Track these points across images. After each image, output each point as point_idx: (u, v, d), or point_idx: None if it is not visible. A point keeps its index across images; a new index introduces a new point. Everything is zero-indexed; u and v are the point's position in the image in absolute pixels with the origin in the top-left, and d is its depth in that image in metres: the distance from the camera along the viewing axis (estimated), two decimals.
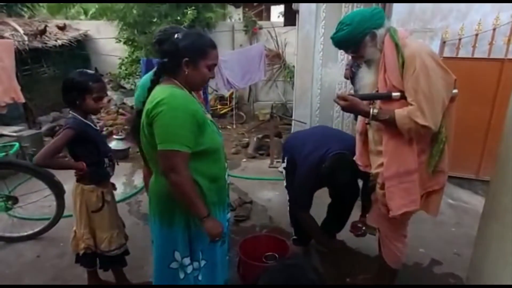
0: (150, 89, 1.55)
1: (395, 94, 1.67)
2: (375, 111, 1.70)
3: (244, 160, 5.05)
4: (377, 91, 1.79)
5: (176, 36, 1.51)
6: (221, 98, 7.55)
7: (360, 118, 2.03)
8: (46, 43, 6.44)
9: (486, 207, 1.78)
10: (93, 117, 2.14)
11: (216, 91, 6.82)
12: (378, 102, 1.80)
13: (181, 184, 1.46)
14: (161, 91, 1.48)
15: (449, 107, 1.74)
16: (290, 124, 5.15)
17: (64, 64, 7.12)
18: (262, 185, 4.10)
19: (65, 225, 2.99)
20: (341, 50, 1.96)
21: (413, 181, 1.75)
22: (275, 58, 7.39)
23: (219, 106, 7.50)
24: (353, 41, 1.72)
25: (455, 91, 1.74)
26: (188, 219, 1.61)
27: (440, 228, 3.08)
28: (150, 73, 1.97)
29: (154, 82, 1.56)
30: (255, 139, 5.54)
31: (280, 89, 7.68)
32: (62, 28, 6.75)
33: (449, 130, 1.78)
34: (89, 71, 2.04)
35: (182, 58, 1.48)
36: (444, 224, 3.16)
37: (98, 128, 2.15)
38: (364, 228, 2.36)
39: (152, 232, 1.72)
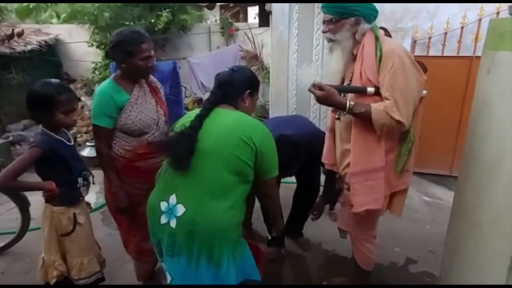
0: (202, 116, 1.44)
1: (370, 89, 1.65)
2: (352, 103, 1.65)
3: None
4: (350, 84, 1.77)
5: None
6: (200, 101, 7.45)
7: (330, 113, 2.00)
8: (14, 49, 6.20)
9: (454, 206, 1.79)
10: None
11: (195, 94, 6.73)
12: (349, 95, 1.77)
13: (279, 205, 1.69)
14: (250, 118, 1.50)
15: (418, 107, 1.73)
16: None
17: (34, 69, 6.86)
18: None
19: (32, 239, 2.87)
20: (322, 20, 1.78)
21: (378, 179, 1.73)
22: (253, 59, 7.34)
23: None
24: (342, 10, 1.65)
25: (424, 92, 1.74)
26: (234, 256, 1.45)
27: (415, 226, 3.10)
28: (110, 81, 1.97)
29: (210, 109, 1.48)
30: None
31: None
32: (20, 34, 6.47)
33: (416, 130, 1.78)
34: (53, 80, 1.81)
35: (246, 89, 1.57)
36: (419, 221, 3.18)
37: (71, 143, 1.93)
38: (316, 212, 2.37)
39: (175, 269, 1.44)
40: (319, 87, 1.66)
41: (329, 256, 2.71)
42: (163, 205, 1.40)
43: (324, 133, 2.16)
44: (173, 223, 1.36)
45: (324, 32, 1.76)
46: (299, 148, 2.14)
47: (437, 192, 3.80)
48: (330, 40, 1.75)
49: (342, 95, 1.77)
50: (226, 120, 1.45)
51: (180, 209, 1.35)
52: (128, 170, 2.01)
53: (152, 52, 1.94)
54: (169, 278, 1.38)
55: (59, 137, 1.82)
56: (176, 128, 1.48)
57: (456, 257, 1.70)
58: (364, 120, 1.66)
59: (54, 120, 1.75)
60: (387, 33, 3.27)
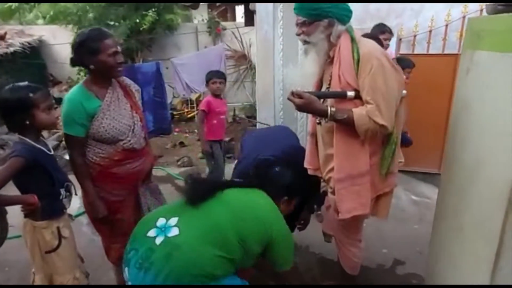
0: (237, 184, 1.57)
1: (350, 93, 1.60)
2: (333, 109, 1.60)
3: None
4: (328, 88, 1.72)
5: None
6: (189, 102, 7.38)
7: (310, 118, 1.95)
8: None
9: (437, 207, 1.76)
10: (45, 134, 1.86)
11: (184, 95, 6.66)
12: (329, 100, 1.73)
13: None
14: (278, 215, 1.55)
15: (398, 108, 1.70)
16: (256, 126, 5.07)
17: (18, 72, 6.72)
18: None
19: (11, 248, 2.78)
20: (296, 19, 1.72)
21: (364, 184, 1.70)
22: (241, 59, 7.30)
23: (186, 110, 7.32)
24: (314, 12, 1.60)
25: (404, 91, 1.71)
26: None
27: (403, 226, 3.07)
28: (79, 87, 1.87)
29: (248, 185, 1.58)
30: None
31: (248, 90, 7.59)
32: (2, 37, 6.33)
33: (398, 131, 1.74)
34: (20, 83, 1.70)
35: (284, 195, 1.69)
36: (407, 221, 3.16)
37: (52, 152, 1.81)
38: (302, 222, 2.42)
39: (137, 282, 1.36)
40: (298, 95, 1.61)
41: (316, 259, 2.67)
42: (161, 221, 1.41)
43: (303, 149, 2.10)
44: (158, 240, 1.35)
45: (297, 34, 1.71)
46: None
47: (425, 191, 3.78)
48: (305, 42, 1.71)
49: (322, 101, 1.73)
50: (261, 199, 1.54)
51: (174, 231, 1.36)
52: (104, 176, 1.93)
53: (119, 48, 1.87)
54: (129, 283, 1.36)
55: (39, 146, 1.71)
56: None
57: (440, 259, 1.67)
58: (346, 125, 1.62)
59: (38, 122, 1.65)
60: (390, 34, 3.26)
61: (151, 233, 1.38)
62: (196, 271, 1.32)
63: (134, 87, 2.10)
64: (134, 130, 1.96)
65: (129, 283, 1.35)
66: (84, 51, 1.78)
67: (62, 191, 1.80)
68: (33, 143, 1.68)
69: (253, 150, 2.25)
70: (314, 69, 1.73)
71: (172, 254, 1.31)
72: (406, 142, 3.30)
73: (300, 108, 1.64)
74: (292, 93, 1.63)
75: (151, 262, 1.31)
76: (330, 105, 1.64)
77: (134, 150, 1.97)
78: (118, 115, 1.91)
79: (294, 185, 1.69)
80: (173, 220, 1.39)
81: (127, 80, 2.07)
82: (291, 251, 1.59)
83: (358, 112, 1.57)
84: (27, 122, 1.63)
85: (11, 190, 1.70)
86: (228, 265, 1.38)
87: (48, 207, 1.71)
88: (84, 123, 1.83)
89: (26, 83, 1.72)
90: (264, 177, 1.65)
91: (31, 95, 1.62)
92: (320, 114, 1.66)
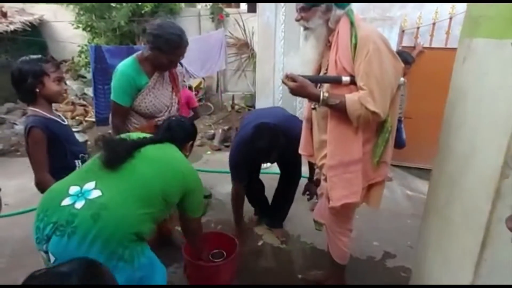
0: (153, 140, 1.56)
1: (345, 78, 1.58)
2: (326, 95, 1.58)
3: (209, 152, 4.91)
4: (325, 73, 1.70)
5: None
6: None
7: (306, 103, 1.94)
8: None
9: (428, 199, 1.74)
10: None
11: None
12: (325, 86, 1.70)
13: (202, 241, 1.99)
14: (189, 164, 1.63)
15: (395, 95, 1.67)
16: None
17: (18, 51, 6.64)
18: (223, 178, 3.96)
19: (5, 225, 2.80)
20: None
21: (356, 172, 1.69)
22: (243, 47, 7.20)
23: None
24: None
25: (402, 79, 1.68)
26: None
27: (396, 220, 3.06)
28: (133, 60, 2.05)
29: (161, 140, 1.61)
30: (220, 130, 5.40)
31: (249, 79, 7.51)
32: (4, 14, 6.26)
33: (394, 119, 1.72)
34: (33, 56, 1.76)
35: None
36: (401, 215, 3.15)
37: (66, 123, 1.84)
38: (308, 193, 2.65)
39: (60, 249, 1.25)
40: (292, 78, 1.60)
41: (307, 248, 2.67)
42: (73, 189, 1.32)
43: (301, 121, 2.13)
44: (78, 205, 1.26)
45: (297, 20, 1.69)
46: (278, 133, 2.21)
47: (420, 186, 3.76)
48: (305, 28, 1.69)
49: (318, 86, 1.71)
50: (176, 154, 1.61)
51: (95, 193, 1.29)
52: None
53: (182, 57, 2.08)
54: (52, 259, 1.23)
55: (52, 116, 1.76)
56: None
57: (428, 252, 1.66)
58: (339, 111, 1.60)
59: (47, 90, 1.71)
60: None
61: (66, 201, 1.28)
62: (125, 229, 1.28)
63: (179, 70, 2.35)
64: (170, 111, 2.19)
65: (51, 255, 1.23)
66: (154, 42, 1.96)
67: (78, 162, 1.82)
68: (45, 113, 1.72)
69: (253, 120, 2.44)
70: (314, 56, 1.70)
71: (99, 213, 1.24)
72: (400, 144, 3.28)
73: (294, 91, 1.62)
74: (287, 76, 1.62)
75: (75, 226, 1.21)
76: (324, 91, 1.62)
77: None
78: (160, 95, 2.12)
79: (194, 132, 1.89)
80: (90, 185, 1.32)
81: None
82: (202, 198, 1.74)
83: (351, 98, 1.55)
84: (37, 90, 1.69)
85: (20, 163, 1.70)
86: (151, 222, 1.39)
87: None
88: (132, 95, 2.05)
89: (39, 55, 1.79)
90: (170, 129, 1.76)
91: (42, 64, 1.69)
92: (313, 98, 1.65)
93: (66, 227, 1.22)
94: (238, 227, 2.71)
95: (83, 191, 1.31)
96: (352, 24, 1.57)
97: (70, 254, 1.16)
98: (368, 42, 1.52)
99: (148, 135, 1.61)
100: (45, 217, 1.27)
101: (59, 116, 1.83)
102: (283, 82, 1.65)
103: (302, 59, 1.77)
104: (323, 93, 1.59)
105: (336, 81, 1.61)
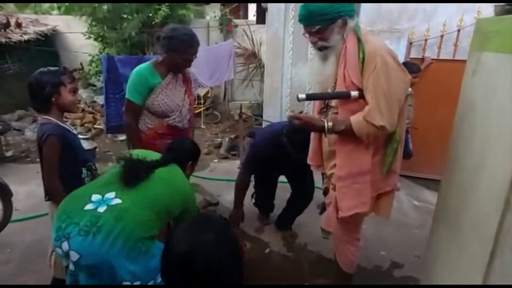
0: (161, 164, 1.68)
1: (354, 93, 1.60)
2: (329, 124, 1.64)
3: (215, 160, 4.94)
4: (334, 87, 1.72)
5: None
6: (197, 97, 7.40)
7: (315, 114, 1.95)
8: (10, 38, 6.15)
9: (436, 210, 1.75)
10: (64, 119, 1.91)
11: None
12: (334, 102, 1.73)
13: None
14: (189, 184, 1.80)
15: (403, 106, 1.69)
16: (262, 124, 5.08)
17: (31, 60, 6.81)
18: (230, 186, 3.96)
19: (14, 230, 2.83)
20: (306, 26, 1.67)
21: (365, 182, 1.70)
22: (251, 57, 7.29)
23: (194, 106, 7.35)
24: (326, 17, 1.56)
25: (409, 90, 1.70)
26: None
27: (403, 230, 3.05)
28: (148, 65, 2.21)
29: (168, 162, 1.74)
30: (227, 139, 5.44)
31: (256, 88, 7.59)
32: (19, 25, 6.44)
33: (402, 130, 1.74)
34: (51, 67, 1.84)
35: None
36: (408, 226, 3.14)
37: (75, 132, 1.95)
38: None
39: (85, 247, 1.38)
40: (296, 117, 1.72)
41: (314, 257, 2.67)
42: (95, 197, 1.46)
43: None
44: (101, 209, 1.41)
45: (313, 43, 1.67)
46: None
47: (428, 197, 3.75)
48: (323, 48, 1.67)
49: (325, 109, 1.76)
50: (178, 175, 1.74)
51: (116, 201, 1.45)
52: (147, 145, 2.20)
53: (195, 56, 2.20)
54: (76, 257, 1.34)
55: (63, 125, 1.82)
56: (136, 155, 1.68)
57: (437, 262, 1.66)
58: (347, 134, 1.64)
59: (62, 100, 1.78)
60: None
61: (89, 206, 1.42)
62: (141, 232, 1.42)
63: (193, 77, 2.46)
64: (181, 111, 2.28)
65: (74, 253, 1.34)
66: (168, 44, 2.12)
67: (84, 170, 1.89)
68: (58, 122, 1.79)
69: (273, 128, 2.63)
70: (334, 71, 1.70)
71: (121, 216, 1.40)
72: (407, 155, 3.29)
73: (301, 128, 1.74)
74: (291, 117, 1.75)
75: (100, 225, 1.35)
76: (328, 120, 1.68)
77: (176, 128, 2.29)
78: (172, 95, 2.22)
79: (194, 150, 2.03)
80: (111, 194, 1.47)
81: (188, 69, 2.35)
82: (195, 212, 1.84)
83: (355, 120, 1.59)
84: (53, 99, 1.76)
85: (30, 169, 1.74)
86: (157, 228, 1.53)
87: (70, 186, 1.71)
88: (144, 94, 2.16)
89: (56, 67, 1.88)
90: (172, 150, 1.91)
91: (60, 74, 1.78)
92: (319, 130, 1.72)
93: (90, 227, 1.35)
94: (234, 209, 2.72)
95: (104, 199, 1.46)
96: (359, 40, 1.59)
97: (95, 250, 1.33)
98: (376, 56, 1.54)
99: (157, 157, 1.73)
100: (67, 218, 1.40)
101: (69, 126, 1.90)
102: (289, 120, 1.80)
103: (322, 75, 1.76)
104: (327, 123, 1.65)
105: (345, 97, 1.64)
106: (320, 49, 1.68)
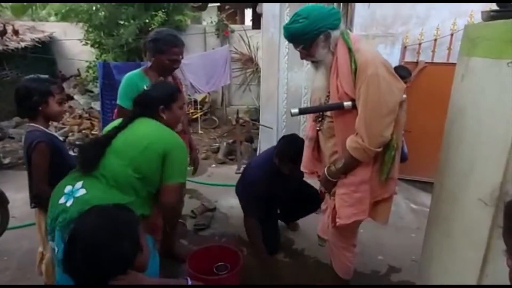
0: (119, 128, 1.63)
1: (347, 103, 1.61)
2: (332, 168, 1.73)
3: (213, 165, 4.94)
4: (327, 98, 1.73)
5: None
6: (194, 102, 7.41)
7: (310, 123, 1.95)
8: (7, 45, 6.17)
9: (430, 214, 1.76)
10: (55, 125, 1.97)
11: (189, 94, 6.70)
12: (329, 113, 1.74)
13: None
14: (164, 128, 1.69)
15: (398, 113, 1.69)
16: (259, 129, 5.08)
17: (28, 67, 6.83)
18: (227, 192, 3.98)
19: (11, 238, 2.82)
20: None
21: (366, 191, 1.71)
22: (248, 62, 7.31)
23: (191, 111, 7.36)
24: (307, 36, 1.60)
25: (403, 96, 1.70)
26: None
27: (400, 234, 3.05)
28: (138, 71, 2.26)
29: (128, 122, 1.67)
30: (225, 144, 5.44)
31: (253, 93, 7.60)
32: (16, 32, 6.46)
33: (398, 137, 1.73)
34: (41, 76, 1.86)
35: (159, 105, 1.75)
36: (405, 229, 3.14)
37: (62, 139, 1.98)
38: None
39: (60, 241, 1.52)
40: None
41: (310, 263, 2.67)
42: (68, 188, 1.52)
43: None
44: (69, 203, 1.47)
45: (302, 58, 1.74)
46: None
47: (425, 200, 3.74)
48: (313, 62, 1.73)
49: (321, 118, 1.79)
50: (142, 128, 1.65)
51: (81, 192, 1.49)
52: None
53: (181, 56, 2.25)
54: (56, 250, 1.43)
55: (50, 132, 1.83)
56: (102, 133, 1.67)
57: (431, 266, 1.67)
58: (352, 164, 1.68)
59: (50, 110, 1.78)
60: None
61: (62, 200, 1.50)
62: None
63: (184, 81, 2.49)
64: None
65: (56, 246, 1.44)
66: (153, 46, 2.18)
67: None
68: (45, 129, 1.79)
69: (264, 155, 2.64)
70: (325, 82, 1.73)
71: (84, 208, 1.34)
72: (402, 159, 3.28)
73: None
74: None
75: (68, 222, 1.41)
76: (325, 168, 1.77)
77: None
78: None
79: (164, 95, 1.79)
80: (79, 184, 1.52)
81: (179, 74, 2.40)
82: (185, 161, 1.73)
83: (351, 146, 1.63)
84: (40, 108, 1.76)
85: (18, 177, 1.75)
86: (142, 204, 1.54)
87: None
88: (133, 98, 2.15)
89: (46, 76, 1.88)
90: (136, 104, 1.77)
91: (48, 84, 1.79)
92: (327, 181, 1.80)
93: (62, 223, 1.45)
94: (263, 258, 2.52)
95: (73, 190, 1.52)
96: (350, 50, 1.60)
97: None
98: (367, 67, 1.54)
99: (118, 122, 1.69)
100: (50, 213, 1.52)
101: (55, 133, 1.93)
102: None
103: (314, 86, 1.82)
104: (326, 172, 1.75)
105: (338, 108, 1.65)
106: (312, 61, 1.74)
